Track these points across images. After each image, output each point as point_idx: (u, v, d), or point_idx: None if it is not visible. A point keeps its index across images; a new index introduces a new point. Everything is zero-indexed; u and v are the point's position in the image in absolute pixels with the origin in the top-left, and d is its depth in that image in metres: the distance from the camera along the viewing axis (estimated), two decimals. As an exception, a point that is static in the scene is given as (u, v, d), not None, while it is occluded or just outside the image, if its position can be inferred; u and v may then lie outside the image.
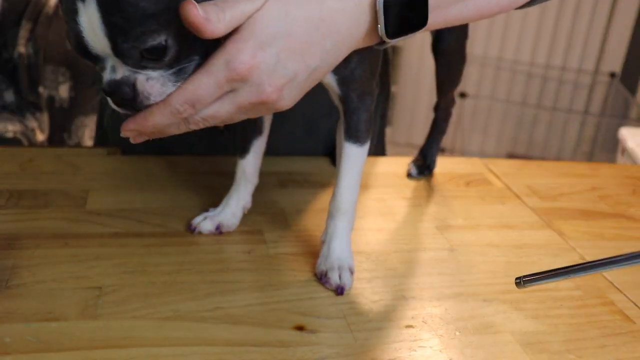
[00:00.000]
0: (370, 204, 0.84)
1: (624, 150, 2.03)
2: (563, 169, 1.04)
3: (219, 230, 0.73)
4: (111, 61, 0.52)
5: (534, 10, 2.75)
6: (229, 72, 0.50)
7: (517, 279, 0.56)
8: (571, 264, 0.55)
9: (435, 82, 0.89)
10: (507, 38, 2.81)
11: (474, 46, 2.80)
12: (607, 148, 2.77)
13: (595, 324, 0.64)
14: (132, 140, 0.56)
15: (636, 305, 0.68)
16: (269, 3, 0.51)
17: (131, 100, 0.53)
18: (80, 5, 0.49)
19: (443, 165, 0.97)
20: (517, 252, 0.76)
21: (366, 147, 0.67)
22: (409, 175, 0.93)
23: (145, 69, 0.52)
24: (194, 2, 0.48)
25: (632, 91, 2.74)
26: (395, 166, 0.96)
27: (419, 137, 0.97)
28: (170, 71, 0.52)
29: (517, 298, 0.67)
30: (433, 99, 0.94)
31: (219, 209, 0.75)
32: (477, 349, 0.59)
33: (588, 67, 2.81)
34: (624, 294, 0.70)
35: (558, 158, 2.89)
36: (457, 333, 0.61)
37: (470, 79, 2.83)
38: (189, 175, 0.86)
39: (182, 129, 0.54)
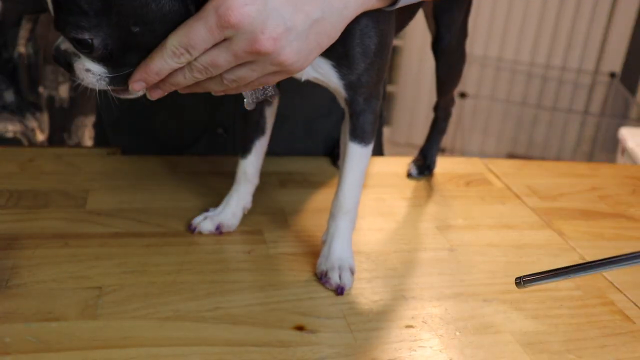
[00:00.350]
0: (370, 204, 0.84)
1: (624, 150, 2.03)
2: (563, 169, 1.04)
3: (219, 231, 0.73)
4: None
5: (534, 10, 2.75)
6: (218, 18, 0.49)
7: (517, 279, 0.56)
8: (571, 264, 0.55)
9: (436, 81, 0.89)
10: (507, 38, 2.81)
11: (474, 46, 2.80)
12: (607, 148, 2.77)
13: (595, 324, 0.64)
14: (149, 96, 0.56)
15: (636, 305, 0.68)
16: None
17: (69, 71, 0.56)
18: None
19: (443, 165, 0.97)
20: (517, 252, 0.76)
21: (370, 147, 0.67)
22: (409, 175, 0.93)
23: (84, 55, 0.54)
24: None
25: (632, 91, 2.74)
26: (395, 166, 0.96)
27: (419, 137, 0.97)
28: (107, 70, 0.54)
29: (517, 298, 0.67)
30: (433, 99, 0.94)
31: (219, 209, 0.75)
32: (477, 349, 0.59)
33: (588, 67, 2.81)
34: (624, 294, 0.70)
35: (558, 158, 2.89)
36: (457, 333, 0.61)
37: (470, 79, 2.83)
38: (189, 175, 0.86)
39: (188, 77, 0.54)
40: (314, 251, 0.71)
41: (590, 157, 2.86)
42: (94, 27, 0.51)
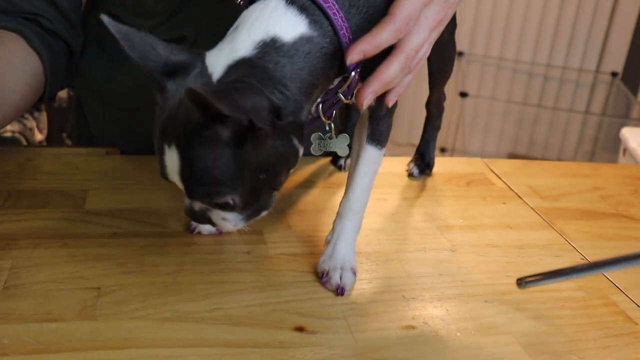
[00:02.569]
0: (370, 204, 0.84)
1: (626, 150, 2.02)
2: (564, 169, 1.04)
3: (218, 231, 0.73)
4: None
5: (535, 9, 2.75)
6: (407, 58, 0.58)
7: (518, 279, 0.56)
8: (573, 264, 0.55)
9: (428, 75, 0.88)
10: (508, 37, 2.81)
11: (475, 46, 2.80)
12: (608, 148, 2.76)
13: (597, 325, 0.64)
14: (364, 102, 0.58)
15: (638, 306, 0.68)
16: None
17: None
18: (165, 146, 0.54)
19: (444, 165, 0.97)
20: (518, 253, 0.76)
21: (384, 150, 0.68)
22: (410, 175, 0.93)
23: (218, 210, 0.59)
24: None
25: (634, 91, 2.74)
26: (395, 166, 0.96)
27: (419, 136, 0.96)
28: (243, 215, 0.60)
29: (519, 299, 0.66)
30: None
31: (218, 209, 0.74)
32: (478, 350, 0.59)
33: (589, 67, 2.81)
34: (626, 295, 0.70)
35: (559, 158, 2.89)
36: (458, 334, 0.61)
37: (471, 78, 2.82)
38: (188, 175, 0.86)
39: (399, 76, 0.60)
40: (314, 252, 0.70)
41: (591, 157, 2.85)
42: (233, 189, 0.55)
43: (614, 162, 2.39)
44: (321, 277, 0.66)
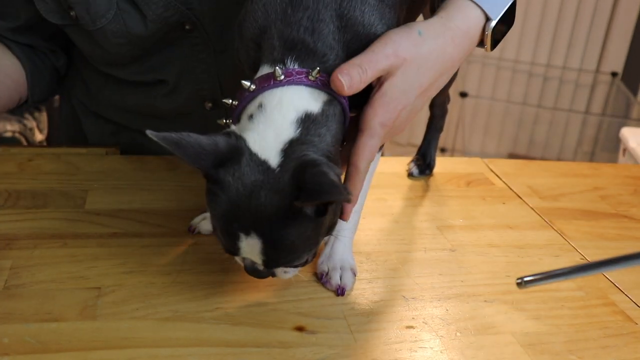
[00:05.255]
0: (370, 204, 0.84)
1: (626, 150, 2.02)
2: (564, 169, 1.04)
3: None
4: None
5: (535, 9, 2.74)
6: (383, 129, 0.60)
7: (518, 279, 0.56)
8: (572, 264, 0.54)
9: None
10: (508, 37, 2.77)
11: (475, 46, 2.79)
12: (608, 148, 2.76)
13: (597, 325, 0.64)
14: (346, 219, 0.62)
15: (638, 306, 0.68)
16: (405, 65, 0.60)
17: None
18: (241, 235, 0.55)
19: (443, 165, 0.97)
20: (518, 252, 0.76)
21: (381, 152, 0.69)
22: (410, 175, 0.93)
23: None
24: (342, 72, 0.58)
25: (634, 91, 2.74)
26: (395, 166, 0.96)
27: (420, 137, 0.96)
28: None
29: (518, 298, 0.66)
30: (434, 98, 0.93)
31: (218, 209, 0.74)
32: (478, 349, 0.59)
33: (589, 67, 2.81)
34: (626, 295, 0.70)
35: (559, 158, 2.88)
36: (458, 334, 0.61)
37: (471, 78, 2.82)
38: (189, 175, 0.86)
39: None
40: (314, 251, 0.70)
41: (591, 157, 2.85)
42: (310, 251, 0.58)
43: (614, 162, 2.39)
44: (321, 277, 0.66)
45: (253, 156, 0.55)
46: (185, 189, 0.82)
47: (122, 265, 0.65)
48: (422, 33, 0.62)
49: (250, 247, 0.56)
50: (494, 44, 0.69)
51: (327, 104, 0.59)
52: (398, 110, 0.61)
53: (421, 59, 0.61)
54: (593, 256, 0.77)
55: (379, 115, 0.60)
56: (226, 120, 0.63)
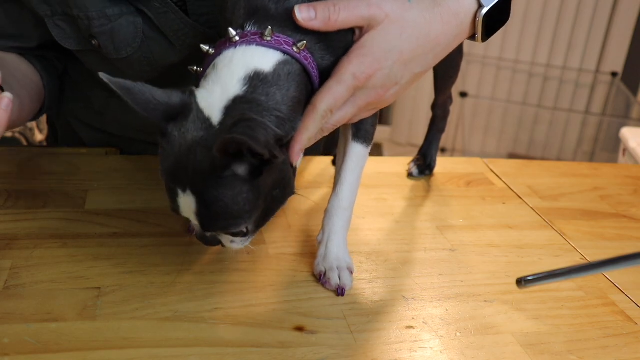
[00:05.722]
0: (370, 204, 0.84)
1: (626, 150, 2.02)
2: (564, 169, 1.04)
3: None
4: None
5: (535, 9, 2.75)
6: (355, 81, 0.59)
7: (518, 279, 0.56)
8: (572, 264, 0.55)
9: (434, 79, 0.89)
10: (508, 38, 2.81)
11: (475, 46, 2.80)
12: (608, 148, 2.76)
13: (597, 325, 0.64)
14: (294, 163, 0.61)
15: (638, 306, 0.68)
16: (387, 22, 0.60)
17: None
18: (179, 190, 0.56)
19: (443, 165, 0.97)
20: (518, 252, 0.76)
21: (370, 147, 0.69)
22: (410, 175, 0.93)
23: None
24: (302, 7, 0.58)
25: (634, 91, 2.74)
26: (395, 166, 0.96)
27: (420, 137, 0.97)
28: (248, 238, 0.62)
29: (518, 299, 0.66)
30: (433, 98, 0.93)
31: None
32: (477, 349, 0.59)
33: (589, 67, 2.81)
34: (626, 295, 0.70)
35: (559, 158, 2.89)
36: (458, 334, 0.61)
37: (471, 78, 2.82)
38: (188, 175, 0.85)
39: (319, 135, 0.62)
40: (314, 251, 0.70)
41: (591, 157, 2.85)
42: (247, 220, 0.58)
43: (613, 162, 2.39)
44: (320, 278, 0.66)
45: (199, 113, 0.56)
46: (185, 189, 0.82)
47: (122, 265, 0.65)
48: (411, 1, 0.61)
49: (187, 206, 0.56)
50: (486, 37, 0.67)
51: (281, 63, 0.58)
52: (374, 67, 0.59)
53: (405, 24, 0.60)
54: (593, 256, 0.77)
55: (353, 65, 0.59)
56: (197, 67, 0.63)
